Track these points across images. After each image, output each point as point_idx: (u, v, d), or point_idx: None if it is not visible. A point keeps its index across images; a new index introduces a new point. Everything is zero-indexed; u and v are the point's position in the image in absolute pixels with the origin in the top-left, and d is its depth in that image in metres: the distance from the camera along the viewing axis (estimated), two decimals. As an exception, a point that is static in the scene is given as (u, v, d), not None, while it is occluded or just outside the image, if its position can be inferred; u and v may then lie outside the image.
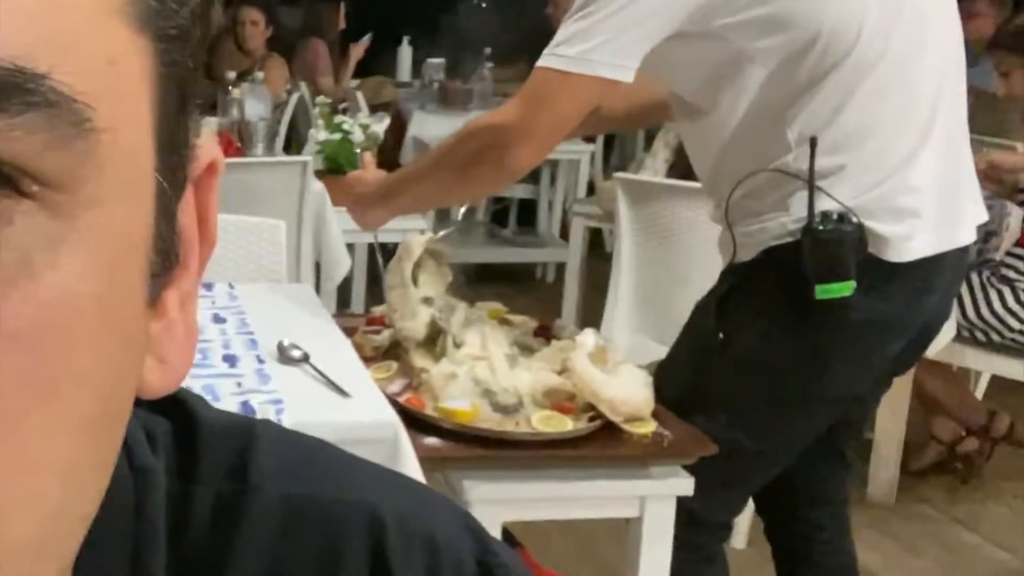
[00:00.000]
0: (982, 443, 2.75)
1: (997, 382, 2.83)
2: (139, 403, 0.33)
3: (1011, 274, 2.46)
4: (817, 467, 1.57)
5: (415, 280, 1.52)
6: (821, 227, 1.33)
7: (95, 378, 0.27)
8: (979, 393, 2.94)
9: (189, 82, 0.30)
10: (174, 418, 0.38)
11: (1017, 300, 2.44)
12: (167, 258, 0.30)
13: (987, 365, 2.61)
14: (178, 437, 0.38)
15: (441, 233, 1.70)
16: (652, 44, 1.31)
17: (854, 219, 1.34)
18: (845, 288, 1.33)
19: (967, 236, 1.45)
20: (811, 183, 1.33)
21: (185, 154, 0.31)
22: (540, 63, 1.35)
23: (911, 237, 1.37)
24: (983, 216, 1.49)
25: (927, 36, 1.38)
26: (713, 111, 1.39)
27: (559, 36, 1.33)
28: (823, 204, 1.34)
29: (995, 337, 2.47)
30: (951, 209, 1.42)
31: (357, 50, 4.75)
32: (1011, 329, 2.45)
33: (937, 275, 1.41)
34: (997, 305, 2.45)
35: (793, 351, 1.41)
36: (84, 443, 0.27)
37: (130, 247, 0.28)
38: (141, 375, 0.31)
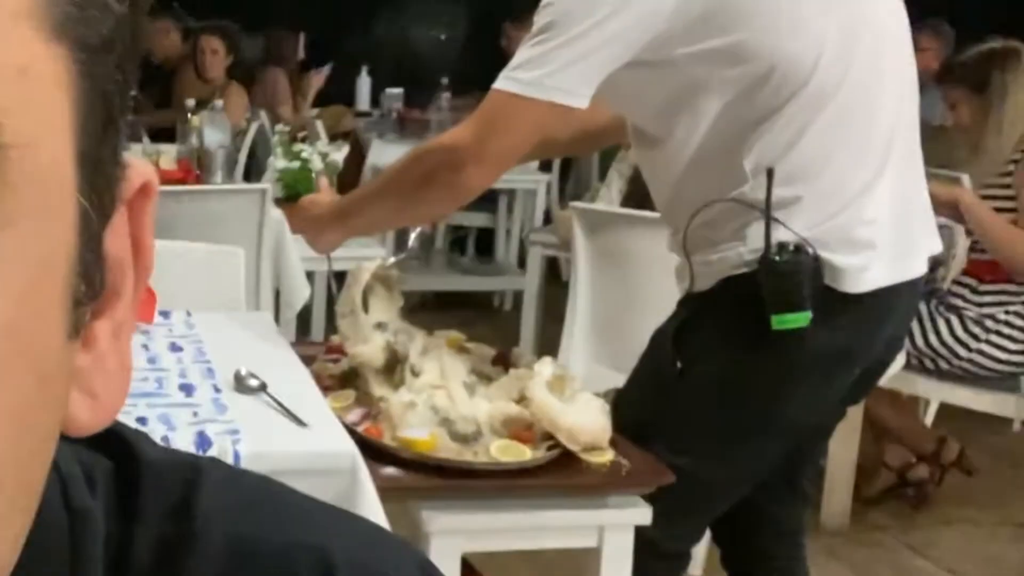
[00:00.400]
0: (932, 470, 2.80)
1: (946, 409, 2.89)
2: (77, 440, 0.32)
3: (958, 303, 2.52)
4: (774, 497, 1.58)
5: (365, 306, 1.52)
6: (778, 258, 1.34)
7: (3, 415, 0.25)
8: (928, 420, 3.00)
9: (116, 96, 0.28)
10: (115, 456, 0.36)
11: (964, 328, 2.50)
12: (92, 285, 0.29)
13: (936, 393, 2.66)
14: (119, 476, 0.36)
15: (392, 260, 1.70)
16: (608, 71, 1.31)
17: (810, 250, 1.35)
18: (801, 319, 1.34)
19: (920, 267, 1.47)
20: (768, 214, 1.35)
21: (113, 174, 0.29)
22: (496, 85, 1.35)
23: (866, 268, 1.38)
24: (937, 247, 1.51)
25: (884, 67, 1.41)
26: (669, 139, 1.40)
27: (516, 59, 1.34)
28: (780, 235, 1.35)
29: (943, 365, 2.52)
30: (905, 240, 1.44)
31: (317, 79, 4.76)
32: (959, 357, 2.50)
33: (892, 306, 1.43)
34: (945, 333, 2.50)
35: (749, 380, 1.42)
36: None
37: (46, 272, 0.27)
38: (66, 411, 0.29)
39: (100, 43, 0.27)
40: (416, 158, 1.46)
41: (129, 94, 0.30)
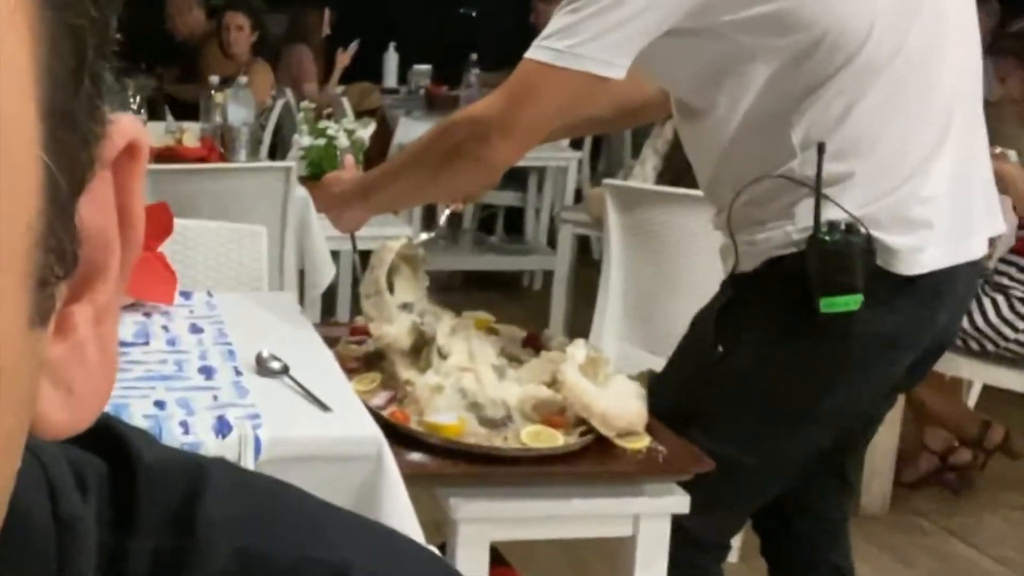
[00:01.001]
0: (975, 454, 2.72)
1: (990, 392, 2.80)
2: (68, 439, 0.27)
3: (1005, 281, 2.43)
4: (818, 486, 1.52)
5: (391, 287, 1.47)
6: (828, 237, 1.28)
7: None
8: (972, 403, 2.91)
9: (90, 35, 0.24)
10: (110, 457, 0.33)
11: (1012, 308, 2.41)
12: (63, 262, 0.25)
13: (981, 375, 2.58)
14: (114, 480, 0.32)
15: (421, 238, 1.65)
16: (646, 41, 1.25)
17: (862, 230, 1.29)
18: (852, 302, 1.28)
19: (980, 249, 1.40)
20: (818, 191, 1.28)
21: (90, 130, 0.25)
22: (527, 55, 1.29)
23: (922, 249, 1.32)
24: (999, 227, 1.44)
25: (946, 38, 1.33)
26: (713, 112, 1.33)
27: (548, 28, 1.28)
28: (830, 213, 1.29)
29: (989, 346, 2.44)
30: (964, 220, 1.37)
31: (343, 57, 4.72)
32: (1006, 339, 2.42)
33: (948, 289, 1.36)
34: (991, 314, 2.42)
35: (795, 366, 1.36)
36: None
37: (2, 246, 0.23)
38: (38, 411, 0.25)
39: None
40: (442, 131, 1.40)
41: (110, 35, 0.25)
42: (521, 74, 1.30)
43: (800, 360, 1.36)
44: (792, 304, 1.32)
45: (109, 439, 0.33)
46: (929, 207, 1.32)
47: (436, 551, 0.36)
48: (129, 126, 0.27)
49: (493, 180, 1.43)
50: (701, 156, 1.41)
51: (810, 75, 1.27)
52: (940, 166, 1.32)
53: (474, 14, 6.22)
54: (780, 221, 1.32)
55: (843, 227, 1.28)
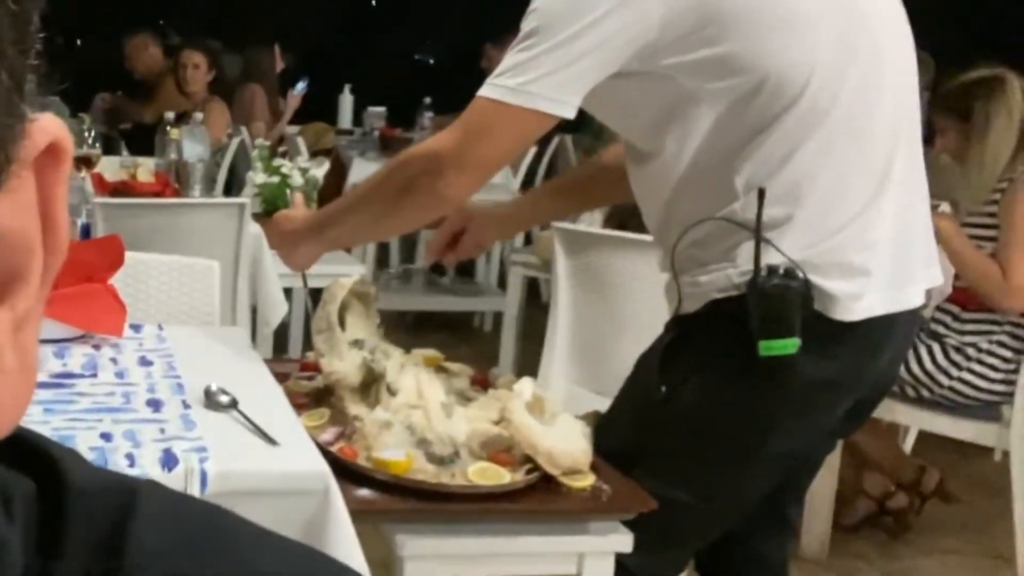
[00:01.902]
0: (912, 498, 2.78)
1: (926, 437, 2.87)
2: None
3: (940, 329, 2.50)
4: (758, 529, 1.54)
5: (342, 323, 1.48)
6: (767, 282, 1.30)
7: None
8: (908, 448, 2.98)
9: (11, 30, 0.24)
10: (38, 477, 0.31)
11: (946, 356, 2.48)
12: None
13: (916, 420, 2.64)
14: (41, 501, 0.31)
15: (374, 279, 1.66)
16: (595, 80, 1.28)
17: (800, 274, 1.30)
18: (789, 345, 1.30)
19: (918, 298, 1.41)
20: (758, 235, 1.30)
21: (8, 126, 0.24)
22: (480, 92, 1.32)
23: (860, 296, 1.33)
24: (938, 279, 1.45)
25: (883, 84, 1.36)
26: (660, 154, 1.36)
27: (501, 66, 1.30)
28: (770, 257, 1.31)
29: (925, 393, 2.50)
30: (904, 268, 1.38)
31: (294, 100, 4.75)
32: (940, 385, 2.49)
33: (887, 337, 1.38)
34: (927, 361, 2.49)
35: (736, 407, 1.38)
36: None
37: None
38: None
39: None
40: (397, 165, 1.42)
41: (30, 31, 0.25)
42: (474, 110, 1.32)
43: (741, 402, 1.38)
44: (733, 346, 1.34)
45: (37, 458, 0.32)
46: (868, 254, 1.34)
47: (359, 552, 0.37)
48: (51, 125, 0.26)
49: (446, 212, 1.44)
50: (649, 199, 1.44)
51: (753, 119, 1.30)
52: (880, 212, 1.34)
53: (431, 61, 6.30)
54: (722, 263, 1.34)
55: (782, 271, 1.30)
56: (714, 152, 1.32)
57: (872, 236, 1.34)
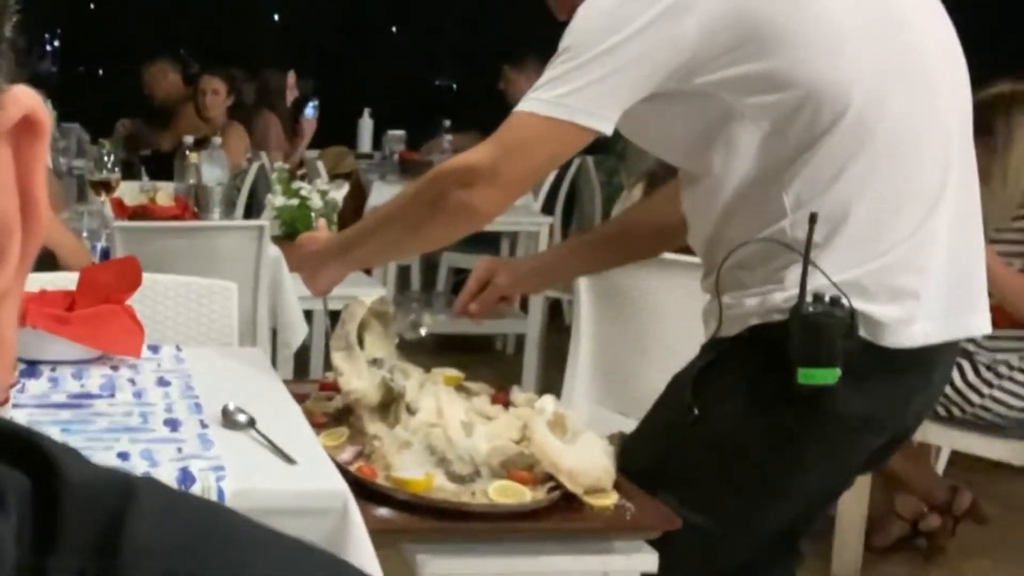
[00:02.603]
0: (945, 520, 2.73)
1: (958, 457, 2.82)
2: None
3: (970, 348, 2.46)
4: (768, 555, 1.49)
5: (361, 343, 1.47)
6: (811, 308, 1.26)
7: None
8: (940, 469, 2.92)
9: None
10: (34, 473, 0.31)
11: (977, 374, 2.44)
12: None
13: (948, 440, 2.60)
14: (37, 497, 0.31)
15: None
16: (631, 97, 1.26)
17: (846, 304, 1.26)
18: (829, 376, 1.26)
19: (982, 326, 1.37)
20: (806, 259, 1.26)
21: None
22: (517, 107, 1.30)
23: (909, 321, 1.29)
24: (987, 324, 1.38)
25: (935, 107, 1.33)
26: (707, 175, 1.33)
27: (539, 81, 1.29)
28: (817, 281, 1.27)
29: (956, 412, 2.46)
30: (962, 295, 1.34)
31: (309, 124, 4.78)
32: (971, 404, 2.44)
33: (926, 372, 1.34)
34: (958, 380, 2.45)
35: (768, 437, 1.34)
36: None
37: None
38: None
39: None
40: (429, 179, 1.40)
41: (7, 7, 0.24)
42: (510, 125, 1.31)
43: (773, 431, 1.34)
44: (771, 373, 1.30)
45: (33, 455, 0.31)
46: (918, 277, 1.30)
47: (379, 572, 0.35)
48: (25, 97, 0.25)
49: (476, 229, 1.40)
50: (698, 219, 1.40)
51: (798, 137, 1.27)
52: (932, 236, 1.31)
53: (454, 86, 6.34)
54: (767, 286, 1.31)
55: (827, 300, 1.26)
56: (761, 170, 1.30)
57: (923, 260, 1.30)
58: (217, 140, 3.13)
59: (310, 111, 4.86)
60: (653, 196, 1.63)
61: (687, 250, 1.53)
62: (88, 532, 0.30)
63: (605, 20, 1.26)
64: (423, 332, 1.58)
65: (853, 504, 2.56)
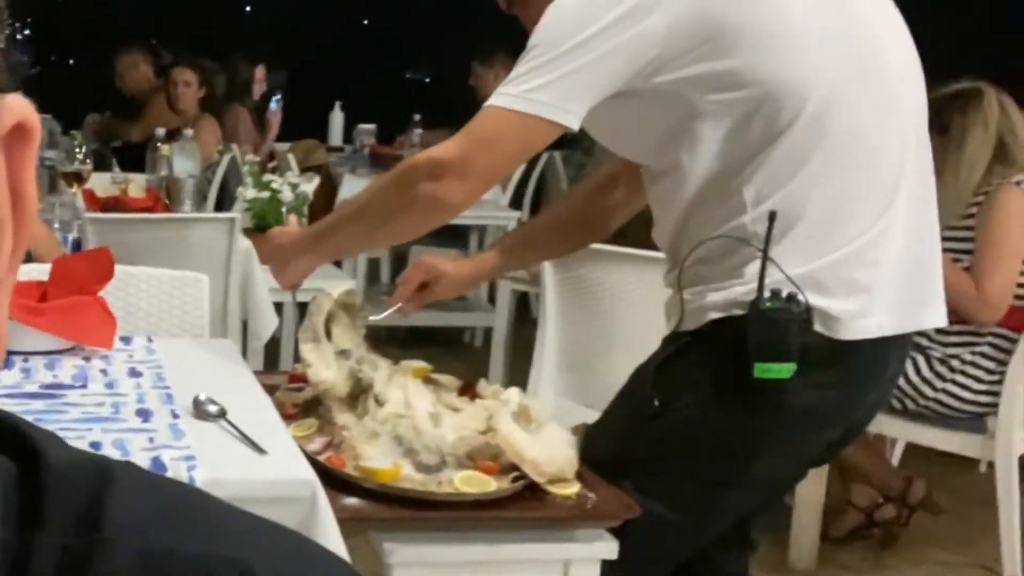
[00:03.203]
0: (899, 510, 2.79)
1: (913, 449, 2.89)
2: None
3: (924, 342, 2.52)
4: (722, 544, 1.54)
5: (328, 334, 1.50)
6: (768, 304, 1.30)
7: None
8: (895, 460, 3.00)
9: None
10: (17, 457, 0.33)
11: (931, 368, 2.50)
12: None
13: (903, 432, 2.66)
14: (21, 479, 0.33)
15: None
16: (598, 93, 1.29)
17: (802, 299, 1.30)
18: (783, 370, 1.30)
19: (937, 319, 1.41)
20: (764, 255, 1.31)
21: None
22: (487, 102, 1.33)
23: (863, 315, 1.33)
24: (942, 318, 1.43)
25: (893, 103, 1.37)
26: (671, 173, 1.37)
27: (509, 76, 1.32)
28: (775, 275, 1.31)
29: (910, 404, 2.52)
30: (918, 288, 1.38)
31: (274, 117, 4.79)
32: (925, 397, 2.51)
33: (880, 365, 1.38)
34: (911, 373, 2.51)
35: (725, 429, 1.38)
36: None
37: None
38: None
39: None
40: (400, 171, 1.42)
41: (2, 18, 0.26)
42: (479, 118, 1.34)
43: (730, 423, 1.38)
44: (728, 366, 1.34)
45: (17, 440, 0.33)
46: (872, 271, 1.33)
47: (347, 559, 0.39)
48: (18, 105, 0.28)
49: (444, 221, 1.43)
50: (662, 215, 1.44)
51: (758, 133, 1.31)
52: (888, 231, 1.34)
53: (427, 80, 6.36)
54: (728, 281, 1.34)
55: (784, 295, 1.30)
56: (722, 167, 1.33)
57: (876, 255, 1.34)
58: (189, 132, 3.13)
59: (273, 104, 4.88)
60: (579, 188, 1.68)
61: (652, 245, 1.57)
62: (71, 511, 0.32)
63: (573, 17, 1.30)
64: (362, 331, 1.62)
65: (810, 494, 2.62)
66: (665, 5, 1.28)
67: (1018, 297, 2.46)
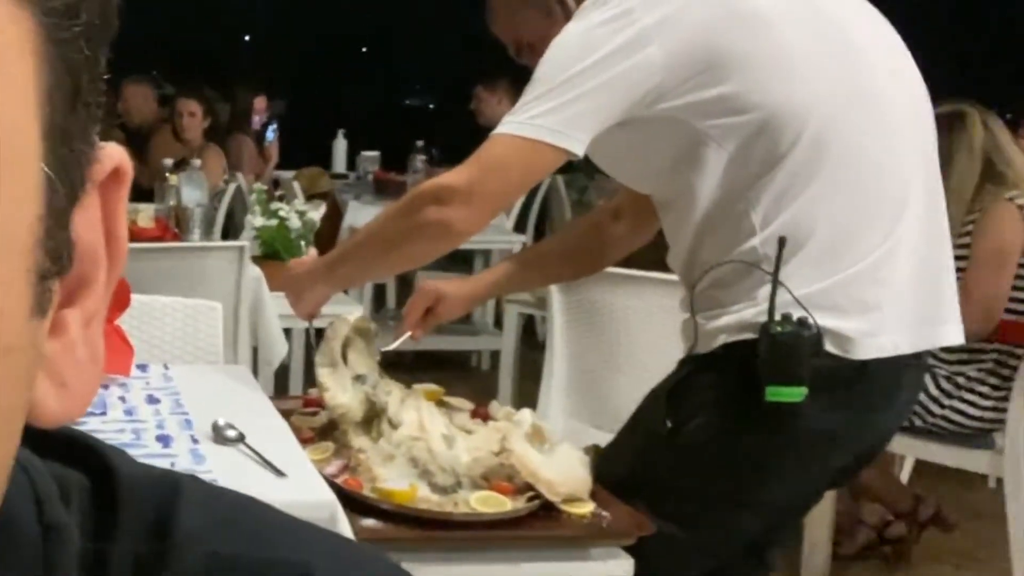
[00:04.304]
0: (910, 527, 2.80)
1: (921, 466, 2.90)
2: (51, 454, 0.31)
3: (930, 361, 2.54)
4: (739, 567, 1.55)
5: (345, 359, 1.52)
6: (779, 328, 1.31)
7: None
8: (904, 477, 3.00)
9: (84, 70, 0.28)
10: (91, 472, 0.35)
11: (937, 386, 2.52)
12: (58, 261, 0.28)
13: (911, 449, 2.67)
14: (95, 492, 0.35)
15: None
16: (601, 121, 1.32)
17: (812, 323, 1.31)
18: (795, 394, 1.31)
19: (954, 336, 1.41)
20: (775, 281, 1.32)
21: (82, 151, 0.29)
22: (494, 131, 1.37)
23: (874, 334, 1.33)
24: (958, 335, 1.44)
25: (893, 120, 1.39)
26: (679, 199, 1.39)
27: (515, 106, 1.36)
28: (786, 297, 1.32)
29: (918, 422, 2.53)
30: (930, 307, 1.39)
31: (272, 147, 4.85)
32: (932, 414, 2.52)
33: (897, 388, 1.39)
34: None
35: (738, 452, 1.39)
36: None
37: (7, 241, 0.26)
38: (33, 397, 0.28)
39: (64, 8, 0.27)
40: (410, 199, 1.46)
41: (100, 76, 0.29)
42: (486, 146, 1.37)
43: (742, 446, 1.39)
44: (741, 389, 1.34)
45: (89, 455, 0.35)
46: (882, 290, 1.34)
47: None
48: (116, 152, 0.30)
49: (453, 246, 1.46)
50: (674, 242, 1.46)
51: (762, 157, 1.33)
52: (896, 250, 1.36)
53: (431, 106, 6.41)
54: (740, 304, 1.35)
55: (796, 320, 1.31)
56: (728, 191, 1.35)
57: (885, 273, 1.35)
58: (196, 162, 3.17)
59: (270, 134, 4.95)
60: (583, 218, 1.72)
61: (656, 266, 1.59)
62: (142, 521, 0.35)
63: (574, 47, 1.33)
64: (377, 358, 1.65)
65: (820, 512, 2.62)
66: (664, 35, 1.31)
67: (1021, 313, 2.47)
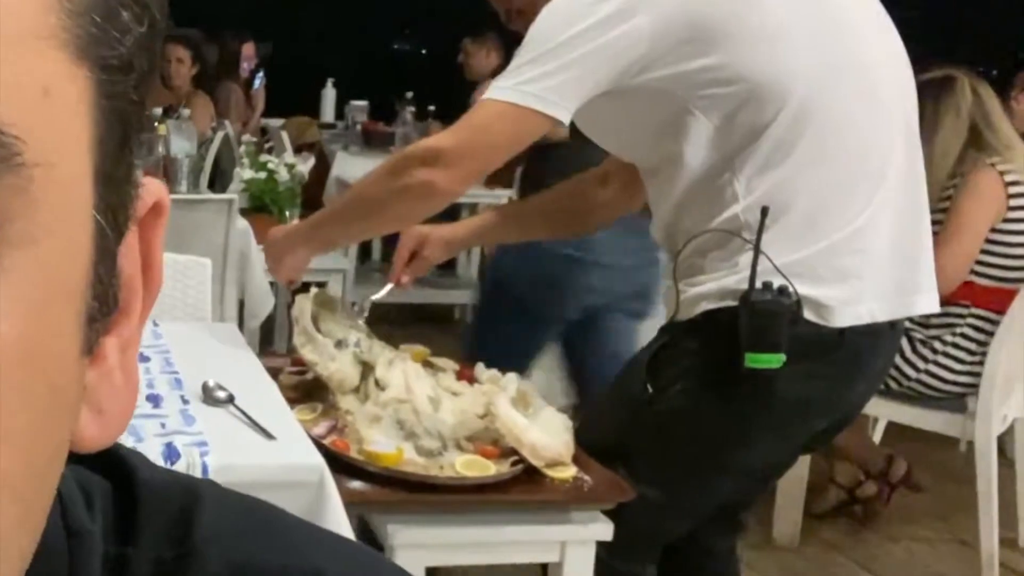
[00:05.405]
0: (880, 487, 2.86)
1: (894, 428, 2.96)
2: (75, 460, 0.32)
3: (907, 324, 2.58)
4: (711, 527, 1.58)
5: (319, 332, 1.54)
6: (759, 296, 1.34)
7: (16, 429, 0.25)
8: (877, 438, 3.06)
9: (132, 116, 0.29)
10: (112, 477, 0.36)
11: (913, 350, 2.56)
12: (105, 303, 0.29)
13: (885, 411, 2.72)
14: (117, 498, 0.36)
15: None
16: (587, 90, 1.33)
17: (792, 291, 1.33)
18: (773, 360, 1.33)
19: (928, 305, 1.44)
20: (756, 249, 1.34)
21: (127, 192, 0.29)
22: (483, 96, 1.38)
23: (853, 302, 1.36)
24: (934, 304, 1.47)
25: (876, 91, 1.41)
26: (665, 168, 1.41)
27: (504, 72, 1.38)
28: (767, 265, 1.35)
29: (893, 385, 2.58)
30: (908, 275, 1.41)
31: (259, 95, 4.80)
32: (908, 378, 2.57)
33: (870, 356, 1.41)
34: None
35: (716, 417, 1.42)
36: (3, 503, 0.26)
37: (64, 290, 0.27)
38: (76, 428, 0.29)
39: (120, 64, 0.28)
40: (396, 159, 1.47)
41: (144, 114, 0.30)
42: (474, 110, 1.39)
43: (720, 411, 1.42)
44: (720, 356, 1.37)
45: (111, 461, 0.36)
46: (862, 258, 1.37)
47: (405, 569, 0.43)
48: (156, 188, 0.31)
49: (437, 208, 1.47)
50: (658, 210, 1.48)
51: (746, 127, 1.35)
52: (876, 219, 1.38)
53: (423, 51, 6.34)
54: (721, 271, 1.38)
55: (776, 288, 1.34)
56: (713, 160, 1.37)
57: (864, 242, 1.38)
58: (185, 112, 3.14)
59: (257, 82, 4.90)
60: (572, 179, 1.73)
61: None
62: (163, 525, 0.36)
63: (562, 15, 1.34)
64: (366, 313, 1.67)
65: (793, 472, 2.66)
66: (651, 6, 1.32)
67: (998, 279, 2.51)
